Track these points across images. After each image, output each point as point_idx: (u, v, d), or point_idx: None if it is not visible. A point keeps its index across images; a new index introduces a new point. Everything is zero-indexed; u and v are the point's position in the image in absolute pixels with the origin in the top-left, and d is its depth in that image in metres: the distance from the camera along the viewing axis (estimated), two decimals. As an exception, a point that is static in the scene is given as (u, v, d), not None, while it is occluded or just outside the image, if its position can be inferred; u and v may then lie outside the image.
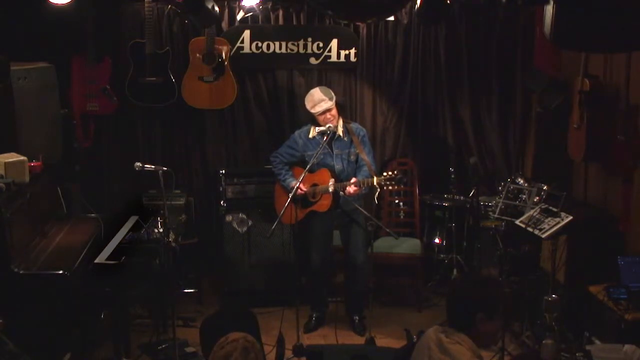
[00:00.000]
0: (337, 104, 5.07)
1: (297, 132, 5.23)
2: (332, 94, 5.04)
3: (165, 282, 4.73)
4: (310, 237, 5.21)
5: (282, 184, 5.15)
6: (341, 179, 4.97)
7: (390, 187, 4.74)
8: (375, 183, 4.74)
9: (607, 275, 4.55)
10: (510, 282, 5.10)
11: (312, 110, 5.01)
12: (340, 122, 5.07)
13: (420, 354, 2.86)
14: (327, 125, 4.96)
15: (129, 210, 5.11)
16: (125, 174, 5.76)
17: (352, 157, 5.07)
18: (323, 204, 5.03)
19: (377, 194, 5.07)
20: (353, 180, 4.89)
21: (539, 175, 5.66)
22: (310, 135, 5.11)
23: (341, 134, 5.05)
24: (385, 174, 4.73)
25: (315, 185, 5.05)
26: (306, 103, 5.06)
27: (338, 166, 5.05)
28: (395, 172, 4.73)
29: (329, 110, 4.97)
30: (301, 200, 5.01)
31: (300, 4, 5.81)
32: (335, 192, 4.92)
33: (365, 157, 5.01)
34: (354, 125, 5.17)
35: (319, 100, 4.98)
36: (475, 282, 2.94)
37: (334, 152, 5.06)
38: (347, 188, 4.86)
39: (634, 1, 2.94)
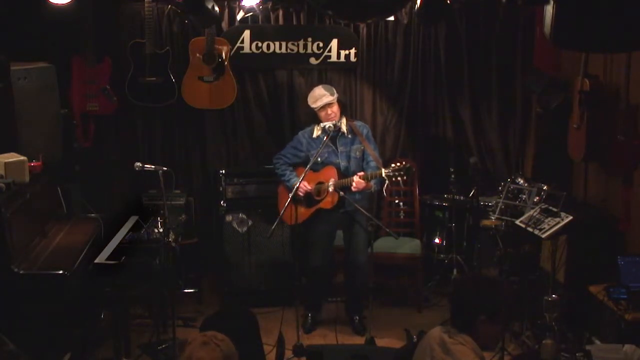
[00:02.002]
0: (339, 102, 5.07)
1: (300, 133, 5.24)
2: (334, 90, 5.06)
3: (165, 282, 4.73)
4: (313, 236, 5.20)
5: (287, 185, 5.13)
6: (347, 176, 4.96)
7: (399, 178, 4.68)
8: (383, 175, 4.73)
9: (607, 275, 4.54)
10: (510, 282, 5.10)
11: (314, 106, 5.02)
12: (344, 119, 5.07)
13: (422, 354, 2.85)
14: (328, 125, 4.96)
15: (129, 210, 5.11)
16: (125, 174, 5.77)
17: (358, 154, 5.07)
18: (328, 201, 5.03)
19: (385, 186, 5.06)
20: (360, 174, 4.89)
21: (539, 175, 5.65)
22: (314, 135, 5.11)
23: (345, 131, 5.05)
24: (393, 165, 4.72)
25: (320, 183, 5.05)
26: (308, 100, 5.08)
27: (343, 163, 5.05)
28: (404, 162, 4.73)
29: (329, 105, 4.98)
30: (306, 200, 5.01)
31: (300, 4, 5.81)
32: (336, 191, 4.91)
33: (372, 151, 5.02)
34: (357, 123, 5.18)
35: (319, 95, 5.00)
36: (478, 283, 2.93)
37: (339, 150, 5.06)
38: (353, 182, 4.84)
39: (634, 1, 2.94)
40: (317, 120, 5.09)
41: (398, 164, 4.70)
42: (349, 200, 4.88)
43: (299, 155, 5.18)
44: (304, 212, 4.99)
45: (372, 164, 5.01)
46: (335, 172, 4.99)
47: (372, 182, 4.93)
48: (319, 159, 4.90)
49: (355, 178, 4.85)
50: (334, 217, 5.10)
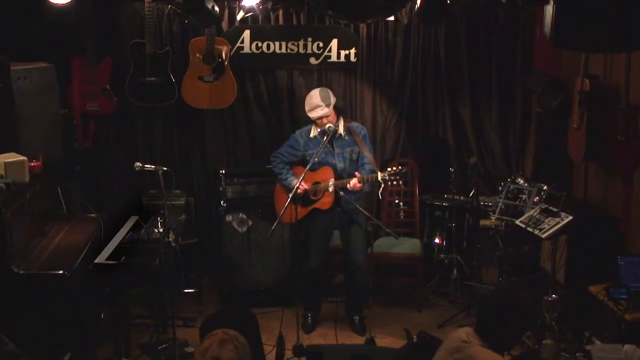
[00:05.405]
0: (336, 107, 5.05)
1: (298, 132, 5.24)
2: (331, 98, 5.00)
3: (165, 282, 4.73)
4: (311, 236, 5.21)
5: (283, 184, 5.14)
6: (342, 178, 4.97)
7: (394, 182, 4.70)
8: (379, 178, 4.74)
9: (607, 275, 4.55)
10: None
11: (308, 114, 5.02)
12: (342, 121, 5.07)
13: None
14: (328, 125, 4.96)
15: (129, 210, 5.11)
16: (125, 174, 5.76)
17: (354, 156, 5.07)
18: (325, 202, 5.03)
19: (381, 189, 5.06)
20: (358, 175, 4.89)
21: (539, 175, 5.65)
22: (312, 135, 5.11)
23: (342, 133, 5.05)
24: (389, 169, 4.72)
25: (317, 183, 5.05)
26: (305, 104, 5.07)
27: (340, 164, 5.05)
28: (400, 166, 4.73)
29: (325, 116, 4.97)
30: (302, 199, 5.01)
31: (300, 4, 5.80)
32: (336, 191, 4.92)
33: (368, 153, 5.02)
34: (354, 124, 5.18)
35: (315, 105, 4.97)
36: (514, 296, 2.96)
37: (336, 151, 5.06)
38: (349, 183, 4.84)
39: (633, 1, 2.95)
40: (314, 120, 5.09)
41: (394, 168, 4.70)
42: (348, 199, 4.88)
43: (295, 155, 5.17)
44: (300, 210, 4.98)
45: (367, 166, 5.01)
46: (332, 173, 4.99)
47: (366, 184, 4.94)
48: (316, 159, 4.89)
49: (353, 180, 4.84)
50: (330, 217, 5.10)
